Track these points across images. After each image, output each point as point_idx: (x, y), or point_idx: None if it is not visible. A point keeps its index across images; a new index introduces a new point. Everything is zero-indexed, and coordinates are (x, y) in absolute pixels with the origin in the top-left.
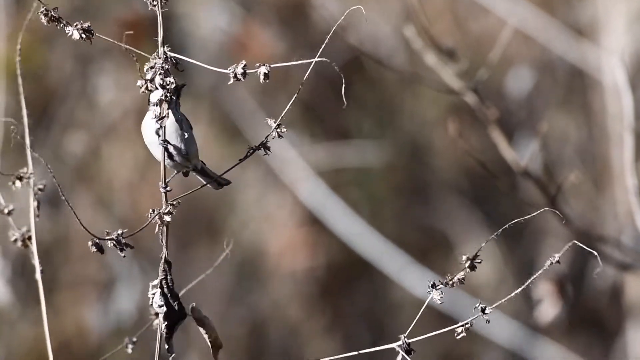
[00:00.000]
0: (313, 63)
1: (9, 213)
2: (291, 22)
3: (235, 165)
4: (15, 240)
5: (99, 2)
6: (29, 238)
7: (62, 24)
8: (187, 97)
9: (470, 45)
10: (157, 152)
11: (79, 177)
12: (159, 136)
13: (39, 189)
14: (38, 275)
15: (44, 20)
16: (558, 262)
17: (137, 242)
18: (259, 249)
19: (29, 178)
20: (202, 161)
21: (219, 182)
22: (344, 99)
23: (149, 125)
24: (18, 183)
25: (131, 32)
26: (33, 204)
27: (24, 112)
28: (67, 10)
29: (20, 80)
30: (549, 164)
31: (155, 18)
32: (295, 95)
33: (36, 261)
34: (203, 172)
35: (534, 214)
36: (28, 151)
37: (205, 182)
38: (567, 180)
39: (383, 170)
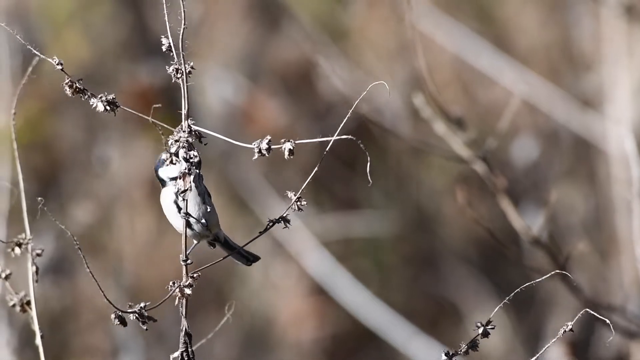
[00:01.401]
0: (332, 141)
1: (7, 277)
2: (296, 92)
3: (256, 237)
4: (14, 305)
5: (105, 72)
6: (28, 303)
7: (86, 96)
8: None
9: (478, 114)
10: (177, 223)
11: (87, 247)
12: (180, 208)
13: (37, 254)
14: (38, 340)
15: (68, 91)
16: (571, 330)
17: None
18: (267, 319)
19: (27, 244)
20: (225, 235)
21: (247, 258)
22: (369, 178)
23: (168, 197)
24: (17, 249)
25: (158, 105)
26: (31, 268)
27: (20, 177)
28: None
29: (15, 145)
30: (556, 232)
31: (160, 89)
32: (315, 169)
33: (36, 326)
34: (227, 244)
35: (543, 277)
36: (25, 217)
37: (235, 259)
38: (576, 249)
39: (392, 239)
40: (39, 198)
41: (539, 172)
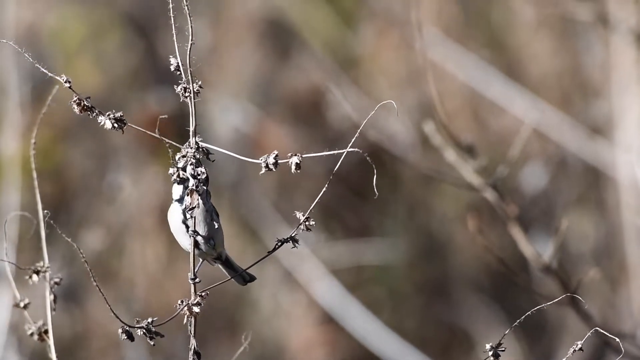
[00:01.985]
0: (344, 154)
1: (25, 307)
2: (307, 120)
3: (264, 257)
4: (32, 334)
5: (116, 100)
6: (46, 332)
7: (94, 113)
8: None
9: (489, 141)
10: (184, 240)
11: (98, 273)
12: (188, 227)
13: (55, 283)
14: None
15: (76, 109)
16: (581, 349)
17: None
18: (278, 346)
19: (45, 272)
20: (227, 254)
21: (244, 277)
22: (375, 190)
23: (175, 214)
24: (35, 277)
25: (164, 115)
26: (50, 297)
27: (39, 205)
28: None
29: (35, 174)
30: (567, 260)
31: (171, 115)
32: (324, 189)
33: (53, 355)
34: (228, 263)
35: (552, 302)
36: (44, 245)
37: (230, 276)
38: (586, 276)
39: (403, 267)
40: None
41: (549, 199)
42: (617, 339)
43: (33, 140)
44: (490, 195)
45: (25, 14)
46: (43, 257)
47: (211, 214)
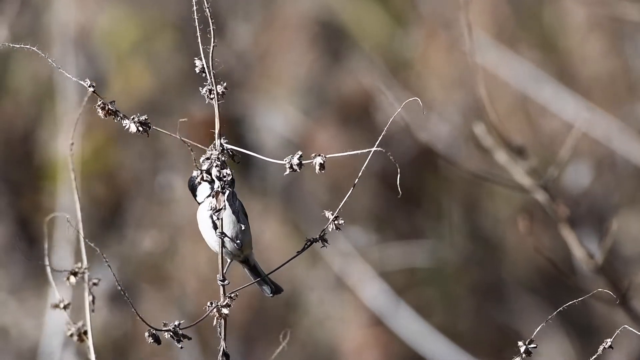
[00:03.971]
0: (371, 153)
1: (65, 307)
2: (356, 123)
3: (294, 257)
4: (72, 335)
5: (168, 102)
6: (85, 332)
7: (119, 117)
8: (258, 196)
9: (540, 142)
10: (211, 241)
11: (150, 275)
12: (216, 228)
13: (94, 284)
14: None
15: (100, 113)
16: (611, 347)
17: (208, 340)
18: (330, 349)
19: (83, 273)
20: (255, 260)
21: (272, 288)
22: (399, 189)
23: (204, 215)
24: (73, 278)
25: (184, 119)
26: (88, 298)
27: (77, 206)
28: (139, 108)
29: (72, 176)
30: (617, 261)
31: (226, 118)
32: (353, 187)
33: (92, 356)
34: (255, 269)
35: (602, 301)
36: (82, 246)
37: (260, 287)
38: (637, 277)
39: (456, 268)
40: (81, 223)
41: (596, 200)
42: None
43: (71, 142)
44: (541, 196)
45: (78, 15)
46: (82, 259)
47: (238, 215)
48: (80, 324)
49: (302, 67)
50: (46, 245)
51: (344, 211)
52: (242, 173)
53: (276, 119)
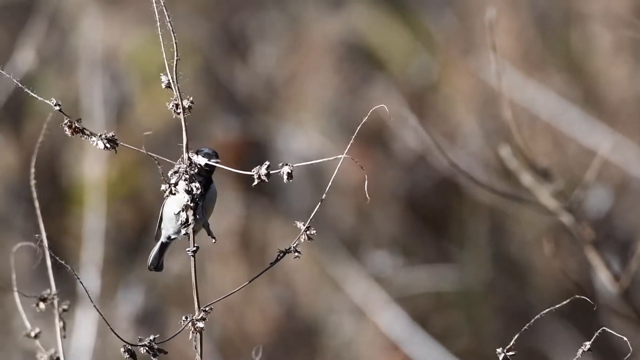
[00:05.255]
0: (341, 160)
1: (36, 336)
2: (376, 148)
3: (266, 270)
4: None
5: (197, 124)
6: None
7: (85, 135)
8: (283, 219)
9: (566, 165)
10: (172, 228)
11: (177, 298)
12: (180, 230)
13: (64, 310)
14: None
15: (68, 131)
16: (590, 350)
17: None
18: None
19: (52, 299)
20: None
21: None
22: (367, 195)
23: (172, 208)
24: (42, 305)
25: (150, 132)
26: (59, 324)
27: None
28: (163, 130)
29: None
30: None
31: (249, 142)
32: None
33: None
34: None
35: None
36: (50, 272)
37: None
38: None
39: (483, 291)
40: (47, 249)
41: (619, 224)
42: None
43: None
44: (566, 219)
45: (104, 38)
46: (50, 285)
47: (202, 214)
48: (52, 351)
49: (327, 91)
50: (13, 276)
51: (370, 236)
52: (269, 198)
53: (299, 142)
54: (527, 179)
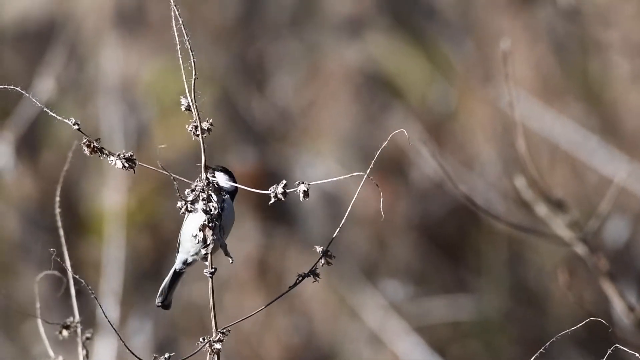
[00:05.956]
0: (364, 179)
1: None
2: (394, 177)
3: (284, 293)
4: None
5: (214, 154)
6: None
7: (104, 154)
8: (300, 247)
9: (583, 194)
10: (192, 249)
11: (195, 326)
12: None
13: (87, 338)
14: None
15: (86, 151)
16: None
17: None
18: None
19: (76, 327)
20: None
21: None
22: (382, 213)
23: (189, 229)
24: (65, 332)
25: (163, 145)
26: (82, 352)
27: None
28: (181, 159)
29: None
30: None
31: (273, 171)
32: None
33: None
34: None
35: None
36: (74, 300)
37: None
38: None
39: (500, 320)
40: (72, 278)
41: (637, 254)
42: None
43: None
44: (581, 249)
45: (122, 67)
46: (73, 313)
47: (220, 236)
48: None
49: (345, 120)
50: (37, 305)
51: (387, 265)
52: (287, 228)
53: (317, 171)
54: (542, 209)
